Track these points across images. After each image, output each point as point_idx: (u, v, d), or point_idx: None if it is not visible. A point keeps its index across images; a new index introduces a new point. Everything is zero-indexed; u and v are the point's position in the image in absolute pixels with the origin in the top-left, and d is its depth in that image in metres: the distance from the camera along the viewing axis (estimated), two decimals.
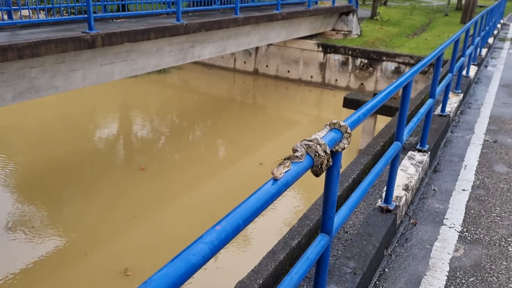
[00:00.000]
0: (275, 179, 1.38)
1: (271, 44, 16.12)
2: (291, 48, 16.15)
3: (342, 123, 1.82)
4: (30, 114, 12.93)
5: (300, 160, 1.51)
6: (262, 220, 7.80)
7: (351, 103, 10.38)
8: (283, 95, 15.81)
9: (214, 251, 1.09)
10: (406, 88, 2.90)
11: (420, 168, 3.97)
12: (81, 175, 9.49)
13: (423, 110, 3.86)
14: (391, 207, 3.22)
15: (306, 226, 3.00)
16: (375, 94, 10.56)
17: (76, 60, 8.62)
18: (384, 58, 14.78)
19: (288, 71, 16.45)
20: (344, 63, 15.41)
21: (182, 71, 17.96)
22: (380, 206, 3.24)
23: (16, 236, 7.10)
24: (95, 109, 14.30)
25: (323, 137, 1.72)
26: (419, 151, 4.31)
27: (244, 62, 17.28)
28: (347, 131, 1.82)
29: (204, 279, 6.06)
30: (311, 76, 16.05)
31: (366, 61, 15.04)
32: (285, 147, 10.44)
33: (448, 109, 5.69)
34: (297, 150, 1.54)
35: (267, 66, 16.82)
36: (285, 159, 1.51)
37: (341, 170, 3.96)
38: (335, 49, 15.46)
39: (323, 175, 1.85)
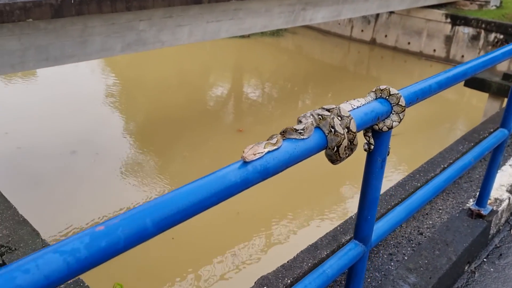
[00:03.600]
0: (245, 161, 0.91)
1: (393, 12, 14.84)
2: (414, 18, 14.71)
3: (393, 91, 1.26)
4: (150, 68, 13.47)
5: (302, 137, 1.01)
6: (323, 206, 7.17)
7: (474, 82, 9.07)
8: (400, 68, 14.58)
9: (76, 268, 0.66)
10: None
11: None
12: (188, 129, 9.62)
13: None
14: (484, 212, 2.51)
15: None
16: (506, 75, 9.13)
17: (183, 15, 8.57)
18: None
19: (409, 43, 15.07)
20: (475, 38, 13.67)
21: (296, 36, 17.44)
22: (469, 209, 2.55)
23: (128, 178, 7.45)
24: (209, 67, 14.48)
25: (359, 106, 1.19)
26: None
27: (362, 31, 16.21)
28: (399, 103, 1.25)
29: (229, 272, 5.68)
30: (434, 50, 14.54)
31: (502, 36, 13.17)
32: (403, 122, 9.61)
33: None
34: (300, 121, 1.04)
35: (386, 36, 15.59)
36: (281, 132, 1.02)
37: (430, 158, 3.27)
38: (465, 21, 13.74)
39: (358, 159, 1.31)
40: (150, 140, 9.06)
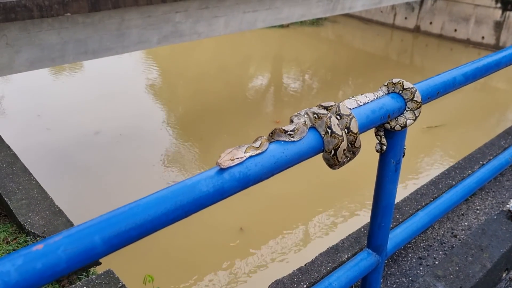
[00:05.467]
0: (220, 168, 0.80)
1: None
2: (462, 3, 14.04)
3: (407, 84, 1.11)
4: (190, 58, 13.53)
5: (292, 139, 0.89)
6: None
7: None
8: (446, 57, 13.98)
9: None
10: None
11: None
12: (228, 121, 9.60)
13: None
14: None
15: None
16: None
17: (219, 6, 8.52)
18: None
19: (455, 30, 14.42)
20: None
21: (337, 25, 17.06)
22: (509, 210, 2.34)
23: (168, 166, 7.52)
24: (248, 58, 14.40)
25: (367, 102, 1.05)
26: None
27: (405, 18, 15.65)
28: (414, 98, 1.10)
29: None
30: (482, 37, 13.84)
31: None
32: (446, 112, 9.21)
33: None
34: (292, 121, 0.92)
35: (430, 23, 14.98)
36: (270, 134, 0.91)
37: (466, 154, 3.04)
38: None
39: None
40: (189, 129, 9.12)
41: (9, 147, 5.14)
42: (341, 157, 0.94)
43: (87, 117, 9.00)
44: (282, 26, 15.38)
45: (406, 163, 7.62)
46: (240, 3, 8.76)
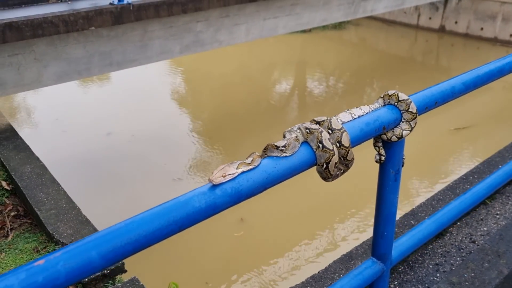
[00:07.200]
0: (213, 184, 0.84)
1: None
2: (488, 1, 13.78)
3: (402, 96, 1.13)
4: (214, 67, 13.67)
5: (284, 154, 0.92)
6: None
7: None
8: (473, 56, 13.71)
9: None
10: None
11: None
12: (252, 125, 9.64)
13: None
14: None
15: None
16: None
17: (240, 14, 8.61)
18: None
19: (482, 29, 14.14)
20: None
21: (360, 28, 16.96)
22: None
23: (188, 174, 7.60)
24: (272, 63, 14.45)
25: (362, 115, 1.08)
26: None
27: (429, 18, 15.44)
28: (410, 109, 1.12)
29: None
30: (510, 35, 13.54)
31: None
32: (474, 113, 9.00)
33: None
34: (284, 136, 0.96)
35: (456, 22, 14.73)
36: (263, 150, 0.94)
37: (483, 159, 3.00)
38: None
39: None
40: (213, 134, 9.19)
41: (38, 158, 5.32)
42: (333, 170, 0.97)
43: (102, 119, 9.33)
44: (304, 31, 15.41)
45: (434, 166, 7.46)
46: (260, 10, 8.82)
